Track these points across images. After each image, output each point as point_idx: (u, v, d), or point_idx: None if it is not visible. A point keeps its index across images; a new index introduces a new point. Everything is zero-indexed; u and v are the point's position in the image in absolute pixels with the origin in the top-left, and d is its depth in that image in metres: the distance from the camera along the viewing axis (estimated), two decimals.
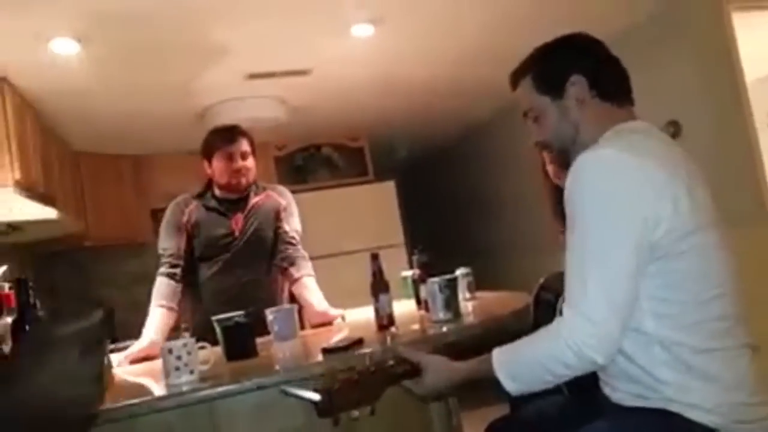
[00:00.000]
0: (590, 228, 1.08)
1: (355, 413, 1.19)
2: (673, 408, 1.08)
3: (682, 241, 1.08)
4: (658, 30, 3.24)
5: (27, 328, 1.53)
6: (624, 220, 1.06)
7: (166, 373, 1.42)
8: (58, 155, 3.59)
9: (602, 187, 1.08)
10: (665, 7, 3.15)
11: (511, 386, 1.13)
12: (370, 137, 5.03)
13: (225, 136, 2.31)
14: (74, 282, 4.53)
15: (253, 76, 3.35)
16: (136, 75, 3.09)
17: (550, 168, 1.76)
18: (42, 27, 2.43)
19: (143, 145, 4.27)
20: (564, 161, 1.25)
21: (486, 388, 1.17)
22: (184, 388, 1.37)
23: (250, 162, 2.31)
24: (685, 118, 3.18)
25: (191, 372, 1.42)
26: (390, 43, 3.15)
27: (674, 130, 3.20)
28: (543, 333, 1.13)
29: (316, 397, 1.15)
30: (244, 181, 2.29)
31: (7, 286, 1.77)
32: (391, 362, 1.24)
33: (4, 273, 1.87)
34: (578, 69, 1.22)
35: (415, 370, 1.25)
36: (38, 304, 1.60)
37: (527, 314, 1.65)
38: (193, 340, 1.46)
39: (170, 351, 1.42)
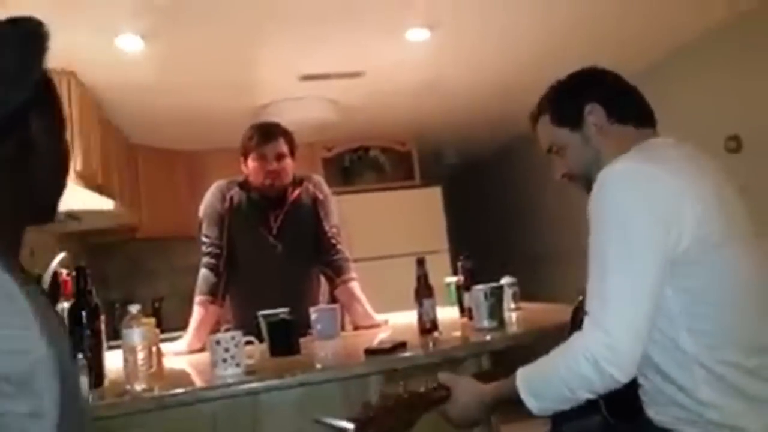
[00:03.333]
0: (610, 241, 1.08)
1: None
2: None
3: (710, 252, 1.06)
4: (721, 43, 3.15)
5: (83, 314, 1.59)
6: (644, 233, 1.05)
7: (213, 364, 1.45)
8: (117, 148, 3.72)
9: (622, 200, 1.08)
10: (729, 20, 3.05)
11: (532, 404, 1.12)
12: (418, 142, 5.03)
13: (260, 137, 2.23)
14: (125, 272, 4.68)
15: (307, 78, 3.40)
16: (195, 72, 3.17)
17: None
18: (108, 23, 2.52)
19: (198, 141, 4.38)
20: (590, 188, 1.25)
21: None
22: (230, 380, 1.40)
23: (285, 164, 2.23)
24: (746, 133, 3.08)
25: (237, 365, 1.45)
26: (444, 48, 3.15)
27: (735, 144, 3.10)
28: (562, 346, 1.12)
29: (350, 426, 1.15)
30: (277, 183, 2.22)
31: (65, 272, 1.84)
32: (422, 389, 1.23)
33: (62, 260, 1.94)
34: (592, 97, 1.26)
35: (447, 396, 1.24)
36: (94, 292, 1.66)
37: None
38: (240, 333, 1.49)
39: (218, 343, 1.45)
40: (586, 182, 1.26)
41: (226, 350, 1.44)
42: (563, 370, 1.09)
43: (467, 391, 1.23)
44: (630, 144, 1.20)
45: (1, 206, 0.84)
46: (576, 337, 1.09)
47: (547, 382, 1.12)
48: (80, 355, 0.99)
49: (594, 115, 1.25)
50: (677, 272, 1.06)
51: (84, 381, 0.98)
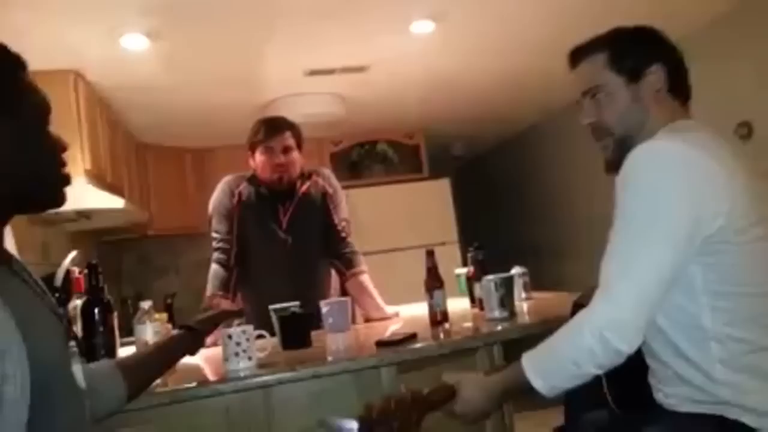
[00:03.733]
0: (635, 218, 1.06)
1: None
2: (730, 414, 1.05)
3: (739, 234, 1.05)
4: (733, 28, 3.11)
5: (96, 311, 1.60)
6: (670, 216, 1.04)
7: (226, 358, 1.46)
8: (125, 147, 3.74)
9: (654, 179, 1.06)
10: (739, 6, 3.02)
11: (540, 384, 1.10)
12: (426, 135, 5.02)
13: (267, 130, 2.23)
14: (137, 269, 4.72)
15: (313, 73, 3.40)
16: (201, 70, 3.18)
17: None
18: (114, 23, 2.53)
19: (205, 138, 4.40)
20: (621, 150, 1.20)
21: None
22: (242, 374, 1.40)
23: (292, 157, 2.23)
24: (758, 120, 3.05)
25: (249, 358, 1.45)
26: (449, 40, 3.14)
27: (746, 131, 3.08)
28: (570, 322, 1.11)
29: (354, 427, 1.15)
30: (285, 176, 2.23)
31: (77, 270, 1.86)
32: (426, 390, 1.23)
33: (74, 258, 1.96)
34: (661, 59, 1.20)
35: (451, 395, 1.22)
36: (106, 289, 1.67)
37: None
38: (251, 327, 1.50)
39: (230, 337, 1.46)
40: (616, 140, 1.22)
41: (238, 344, 1.45)
42: (567, 346, 1.08)
43: (473, 385, 1.21)
44: (676, 119, 1.19)
45: None
46: (585, 314, 1.08)
47: (553, 360, 1.11)
48: (72, 343, 0.99)
49: (657, 76, 1.19)
50: (706, 250, 1.05)
51: (77, 368, 0.98)
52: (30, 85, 0.97)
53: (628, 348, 1.03)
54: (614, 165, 1.24)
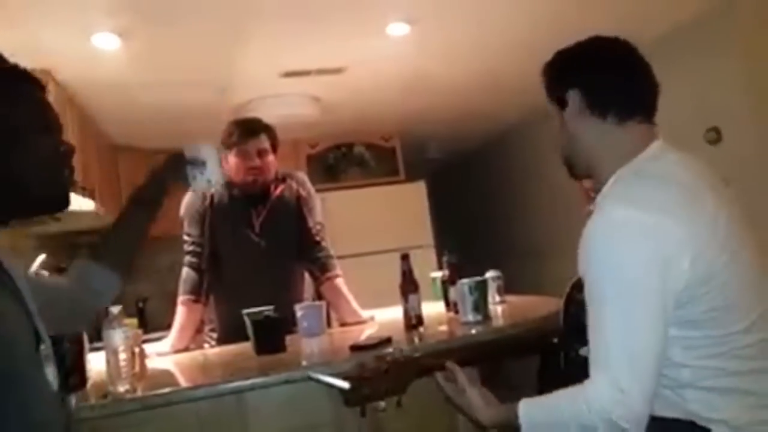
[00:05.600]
0: (608, 298, 1.05)
1: (382, 404, 1.19)
2: (700, 422, 1.06)
3: (704, 284, 1.04)
4: (700, 33, 3.17)
5: None
6: (643, 291, 1.03)
7: (186, 183, 1.43)
8: (98, 149, 3.68)
9: (616, 255, 1.05)
10: (709, 9, 3.08)
11: None
12: (402, 137, 5.03)
13: (242, 133, 2.20)
14: None
15: (288, 74, 3.38)
16: (173, 70, 3.14)
17: (585, 181, 1.72)
18: (85, 22, 2.48)
19: (178, 140, 4.31)
20: (568, 169, 1.28)
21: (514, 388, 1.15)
22: (214, 380, 1.39)
23: (267, 160, 2.21)
24: (726, 125, 3.11)
25: (208, 181, 1.43)
26: (425, 42, 3.15)
27: (715, 136, 3.13)
28: (572, 395, 1.08)
29: (345, 384, 1.15)
30: (260, 180, 2.21)
31: (46, 273, 1.82)
32: (418, 354, 1.24)
33: (43, 261, 1.92)
34: (575, 83, 1.20)
35: (442, 365, 1.24)
36: None
37: (556, 319, 1.63)
38: (210, 146, 1.46)
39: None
40: (565, 161, 1.27)
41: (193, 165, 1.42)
42: (574, 424, 1.06)
43: (485, 395, 1.21)
44: (609, 142, 1.17)
45: None
46: (587, 393, 1.05)
47: (557, 430, 1.10)
48: (43, 346, 0.97)
49: (572, 102, 1.21)
50: (676, 304, 1.05)
51: (51, 372, 0.96)
52: (31, 97, 1.03)
53: (635, 427, 1.03)
54: (573, 176, 1.31)
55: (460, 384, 1.23)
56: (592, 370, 1.06)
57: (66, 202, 1.04)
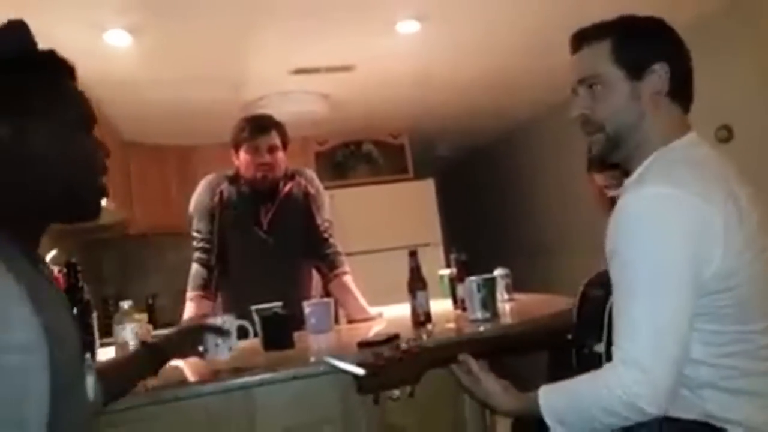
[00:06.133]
0: (639, 278, 1.02)
1: (396, 393, 1.19)
2: (716, 423, 1.05)
3: (730, 278, 1.03)
4: (712, 30, 3.15)
5: (75, 310, 1.58)
6: (674, 265, 1.01)
7: (205, 350, 1.44)
8: (109, 145, 3.69)
9: (651, 231, 1.02)
10: (721, 6, 3.05)
11: (560, 430, 1.09)
12: (411, 135, 5.03)
13: (253, 129, 2.21)
14: (118, 269, 4.67)
15: (298, 71, 3.39)
16: (184, 67, 3.15)
17: (598, 177, 1.68)
18: (96, 19, 2.50)
19: (188, 136, 4.36)
20: (610, 147, 1.15)
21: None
22: (223, 375, 1.39)
23: (277, 156, 2.22)
24: (738, 123, 3.08)
25: (230, 349, 1.44)
26: (434, 40, 3.14)
27: (726, 134, 3.11)
28: (592, 379, 1.07)
29: (360, 371, 1.15)
30: (270, 176, 2.21)
31: (56, 269, 1.84)
32: (432, 345, 1.24)
33: (54, 257, 1.93)
34: (667, 59, 1.12)
35: (454, 357, 1.24)
36: (85, 288, 1.65)
37: (566, 317, 1.63)
38: (231, 317, 1.48)
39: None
40: (607, 137, 1.15)
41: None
42: (594, 408, 1.05)
43: (506, 385, 1.20)
44: (671, 126, 1.13)
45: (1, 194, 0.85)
46: (608, 374, 1.04)
47: (577, 414, 1.08)
48: (88, 355, 0.98)
49: (659, 76, 1.11)
50: (700, 293, 1.03)
51: (91, 381, 0.97)
52: (71, 91, 0.96)
53: (656, 410, 1.01)
54: (599, 162, 1.23)
55: (474, 374, 1.23)
56: (616, 351, 1.04)
57: (99, 210, 0.97)
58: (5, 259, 0.78)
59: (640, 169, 1.13)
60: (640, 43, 1.13)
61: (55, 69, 0.94)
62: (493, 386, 1.20)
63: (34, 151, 0.87)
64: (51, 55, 0.94)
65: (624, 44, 1.12)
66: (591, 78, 1.14)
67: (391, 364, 1.17)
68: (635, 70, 1.12)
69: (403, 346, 1.23)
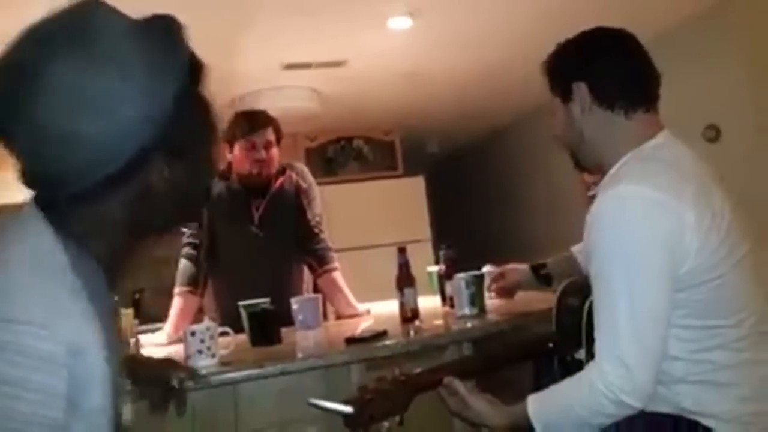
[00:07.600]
0: (616, 274, 1.05)
1: (386, 425, 1.18)
2: (692, 417, 1.07)
3: (706, 272, 1.05)
4: (700, 30, 3.17)
5: None
6: (649, 261, 1.04)
7: (188, 356, 1.44)
8: None
9: (626, 230, 1.05)
10: (710, 6, 3.07)
11: None
12: (401, 131, 5.02)
13: (248, 125, 2.20)
14: None
15: (289, 67, 3.37)
16: None
17: (587, 174, 1.72)
18: None
19: None
20: (574, 161, 1.27)
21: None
22: (204, 371, 1.39)
23: (272, 153, 2.22)
24: (726, 123, 3.11)
25: (213, 356, 1.44)
26: (426, 36, 3.14)
27: (713, 134, 3.13)
28: (576, 380, 1.09)
29: (347, 409, 1.14)
30: (264, 172, 2.21)
31: None
32: (417, 371, 1.23)
33: None
34: (580, 75, 1.19)
35: (439, 381, 1.23)
36: None
37: (550, 315, 1.64)
38: (215, 324, 1.48)
39: (193, 334, 1.44)
40: (570, 154, 1.27)
41: (202, 341, 1.43)
42: (581, 408, 1.07)
43: (493, 401, 1.21)
44: (638, 130, 1.16)
45: (112, 234, 0.81)
46: (592, 374, 1.06)
47: (565, 417, 1.10)
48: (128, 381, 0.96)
49: (580, 94, 1.19)
50: (676, 288, 1.05)
51: (127, 405, 0.95)
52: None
53: (641, 404, 1.03)
54: (578, 167, 1.30)
55: (461, 395, 1.22)
56: (598, 351, 1.06)
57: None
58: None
59: (612, 171, 1.16)
60: (560, 69, 1.24)
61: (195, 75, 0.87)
62: (481, 405, 1.20)
63: (157, 199, 0.80)
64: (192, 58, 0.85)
65: (552, 75, 1.25)
66: (549, 106, 1.28)
67: (378, 397, 1.16)
68: (563, 95, 1.22)
69: (389, 376, 1.21)
